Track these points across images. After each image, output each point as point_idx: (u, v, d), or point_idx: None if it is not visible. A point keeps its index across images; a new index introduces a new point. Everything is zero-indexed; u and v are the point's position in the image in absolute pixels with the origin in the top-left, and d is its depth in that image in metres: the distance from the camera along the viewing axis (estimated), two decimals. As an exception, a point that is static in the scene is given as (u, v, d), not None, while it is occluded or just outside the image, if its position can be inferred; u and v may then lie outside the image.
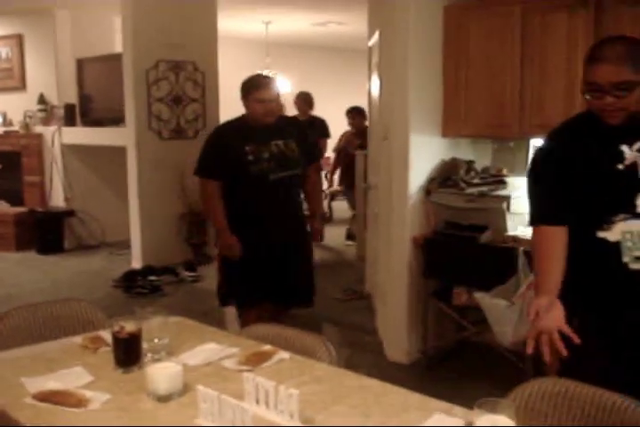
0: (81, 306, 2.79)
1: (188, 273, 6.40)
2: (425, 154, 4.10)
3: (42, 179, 7.92)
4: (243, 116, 3.85)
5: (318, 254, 7.41)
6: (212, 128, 6.86)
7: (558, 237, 2.17)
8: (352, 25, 8.96)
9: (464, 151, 4.29)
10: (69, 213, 7.75)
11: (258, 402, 1.75)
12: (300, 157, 3.78)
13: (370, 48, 5.36)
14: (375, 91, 5.03)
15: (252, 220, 3.73)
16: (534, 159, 2.34)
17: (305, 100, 8.06)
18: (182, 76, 6.84)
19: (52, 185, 7.89)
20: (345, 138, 8.22)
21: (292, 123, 4.17)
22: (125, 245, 7.20)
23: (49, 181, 7.90)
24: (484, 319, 3.60)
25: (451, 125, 4.10)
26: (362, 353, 4.37)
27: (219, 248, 3.89)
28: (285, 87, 9.80)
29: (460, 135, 4.14)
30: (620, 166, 2.09)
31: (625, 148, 2.09)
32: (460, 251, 3.85)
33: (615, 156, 2.09)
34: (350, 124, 7.99)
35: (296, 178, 3.79)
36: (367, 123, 6.38)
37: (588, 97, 2.07)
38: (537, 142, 3.99)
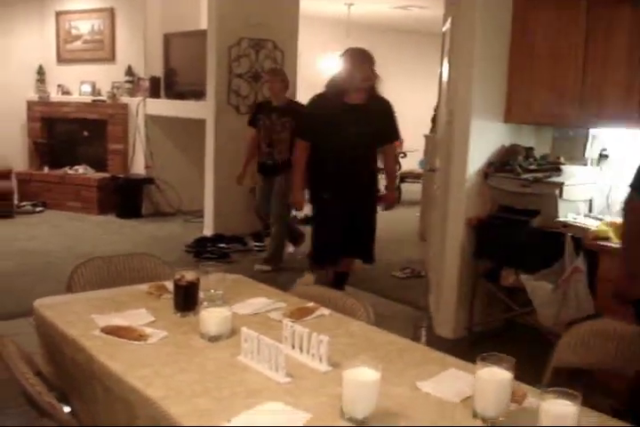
0: (151, 261, 3.08)
1: (255, 243, 6.69)
2: (485, 138, 4.24)
3: (125, 147, 8.35)
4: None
5: (384, 233, 7.63)
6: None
7: None
8: (434, 9, 9.02)
9: (525, 138, 4.40)
10: (149, 181, 8.16)
11: (294, 347, 1.99)
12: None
13: (443, 34, 5.49)
14: (445, 76, 5.17)
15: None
16: None
17: None
18: (262, 54, 7.10)
19: (134, 153, 8.31)
20: None
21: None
22: (199, 214, 7.55)
23: (131, 150, 8.32)
24: (531, 301, 3.76)
25: (513, 112, 4.23)
26: (409, 325, 4.57)
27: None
28: (363, 69, 9.93)
29: (522, 122, 4.27)
30: None
31: None
32: (510, 234, 3.99)
33: None
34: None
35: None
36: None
37: None
38: (595, 132, 4.10)
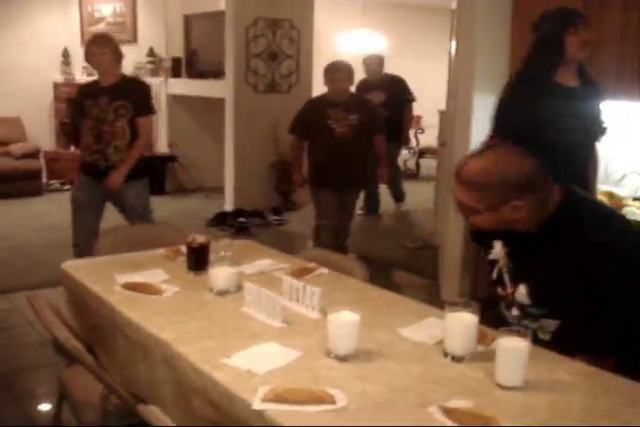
0: (170, 229, 3.35)
1: (274, 217, 6.95)
2: (488, 112, 4.41)
3: (149, 126, 8.59)
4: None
5: (396, 208, 7.85)
6: (305, 83, 7.39)
7: None
8: (449, -14, 9.12)
9: (528, 112, 4.57)
10: (172, 159, 8.43)
11: (291, 299, 2.23)
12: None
13: (452, 11, 5.64)
14: (453, 53, 5.34)
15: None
16: None
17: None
18: (279, 34, 7.29)
19: (157, 132, 8.56)
20: None
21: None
22: (220, 190, 7.81)
23: (155, 128, 8.57)
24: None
25: (515, 87, 4.39)
26: (417, 293, 4.80)
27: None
28: (382, 47, 10.05)
29: (523, 96, 4.43)
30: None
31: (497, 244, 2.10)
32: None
33: None
34: None
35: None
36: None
37: None
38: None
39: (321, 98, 5.01)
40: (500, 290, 2.14)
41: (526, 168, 1.96)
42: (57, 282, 2.85)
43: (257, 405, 1.58)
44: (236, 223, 6.65)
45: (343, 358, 1.84)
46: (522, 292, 2.05)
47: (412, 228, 6.86)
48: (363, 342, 1.90)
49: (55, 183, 8.54)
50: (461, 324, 1.84)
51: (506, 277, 2.09)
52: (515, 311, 2.11)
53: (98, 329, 2.40)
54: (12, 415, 3.10)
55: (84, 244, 4.30)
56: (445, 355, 1.88)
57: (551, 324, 2.03)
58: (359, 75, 6.13)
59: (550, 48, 3.20)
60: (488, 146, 2.16)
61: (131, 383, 2.16)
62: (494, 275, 2.13)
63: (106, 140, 4.33)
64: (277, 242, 6.08)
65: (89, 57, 4.36)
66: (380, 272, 5.47)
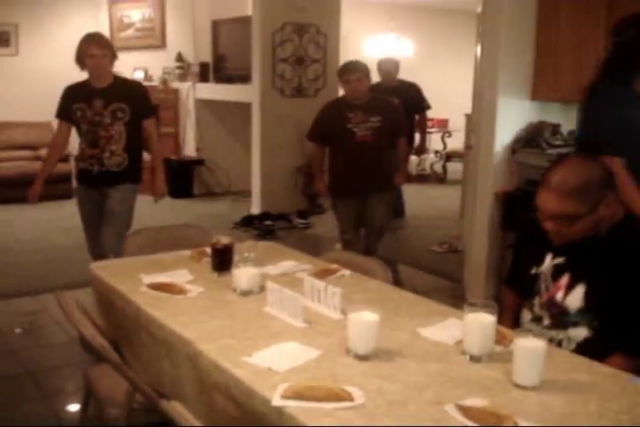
0: (195, 231, 3.40)
1: (300, 220, 6.99)
2: (513, 115, 4.43)
3: (176, 130, 8.71)
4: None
5: (425, 211, 7.85)
6: (331, 88, 7.41)
7: None
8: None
9: (554, 115, 4.56)
10: (199, 163, 8.52)
11: (312, 300, 2.26)
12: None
13: (478, 14, 5.65)
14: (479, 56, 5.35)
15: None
16: None
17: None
18: (305, 38, 7.34)
19: (185, 136, 8.67)
20: None
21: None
22: (248, 193, 7.87)
23: (183, 133, 8.68)
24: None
25: (540, 90, 4.40)
26: (442, 296, 4.80)
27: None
28: (409, 51, 10.08)
29: (548, 99, 4.43)
30: (534, 270, 2.26)
31: (548, 257, 2.22)
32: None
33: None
34: None
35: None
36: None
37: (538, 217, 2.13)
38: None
39: (338, 101, 4.82)
40: (537, 301, 2.23)
41: (604, 167, 2.13)
42: (86, 283, 2.91)
43: (276, 401, 1.61)
44: (262, 226, 6.71)
45: (362, 357, 1.86)
46: (578, 293, 2.11)
47: (438, 232, 6.85)
48: (382, 342, 1.92)
49: (85, 187, 8.64)
50: (479, 324, 1.86)
51: (558, 282, 2.17)
52: (546, 321, 2.19)
53: (124, 328, 2.45)
54: (41, 412, 3.16)
55: (94, 256, 4.19)
56: (463, 353, 1.90)
57: (580, 334, 2.10)
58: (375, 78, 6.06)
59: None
60: (560, 156, 2.35)
61: (155, 381, 2.20)
62: (539, 287, 2.22)
63: (102, 145, 4.08)
64: (303, 245, 6.11)
65: (86, 59, 4.03)
66: (406, 276, 5.50)
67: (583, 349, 2.07)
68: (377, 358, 1.87)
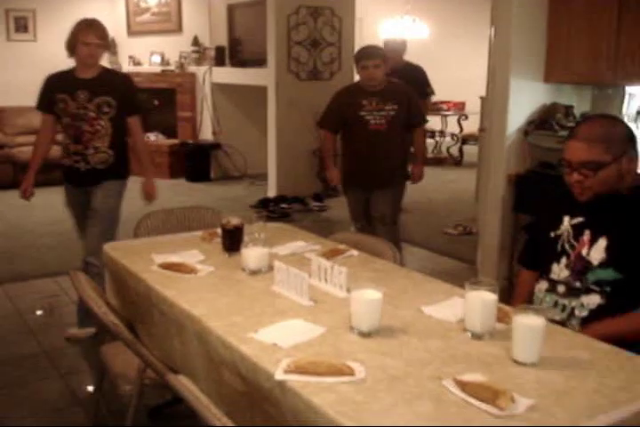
0: (208, 212, 3.45)
1: (315, 203, 7.04)
2: (526, 97, 4.43)
3: (193, 114, 8.77)
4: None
5: (440, 194, 7.86)
6: (347, 71, 7.41)
7: None
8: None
9: (567, 97, 4.56)
10: (216, 146, 8.58)
11: (320, 279, 2.30)
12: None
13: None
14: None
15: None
16: None
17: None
18: (320, 21, 7.35)
19: (201, 120, 8.72)
20: None
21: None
22: (264, 177, 7.92)
23: (199, 117, 8.73)
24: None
25: (552, 72, 4.40)
26: (454, 278, 4.83)
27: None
28: (424, 33, 10.02)
29: (561, 81, 4.43)
30: (552, 234, 2.34)
31: (566, 219, 2.30)
32: (548, 188, 4.18)
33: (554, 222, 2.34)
34: None
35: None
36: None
37: (563, 172, 2.26)
38: (632, 90, 4.24)
39: (353, 86, 4.58)
40: (563, 262, 2.29)
41: (627, 125, 2.27)
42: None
43: (279, 375, 1.66)
44: (278, 209, 6.76)
45: (366, 334, 1.90)
46: (600, 246, 2.19)
47: (453, 214, 6.87)
48: (386, 320, 1.96)
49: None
50: (481, 302, 1.89)
51: (581, 239, 2.25)
52: (561, 288, 2.27)
53: (137, 307, 2.51)
54: (59, 389, 3.25)
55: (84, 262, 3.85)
56: (465, 330, 1.94)
57: (593, 301, 2.18)
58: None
59: None
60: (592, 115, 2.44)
61: (167, 357, 2.26)
62: (559, 247, 2.30)
63: (85, 141, 3.77)
64: (318, 228, 6.17)
65: (80, 46, 3.73)
66: (419, 258, 5.53)
67: (596, 315, 2.15)
68: (380, 335, 1.91)
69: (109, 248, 2.79)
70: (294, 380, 1.64)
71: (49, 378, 3.36)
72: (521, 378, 1.69)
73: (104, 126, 3.77)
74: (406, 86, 4.57)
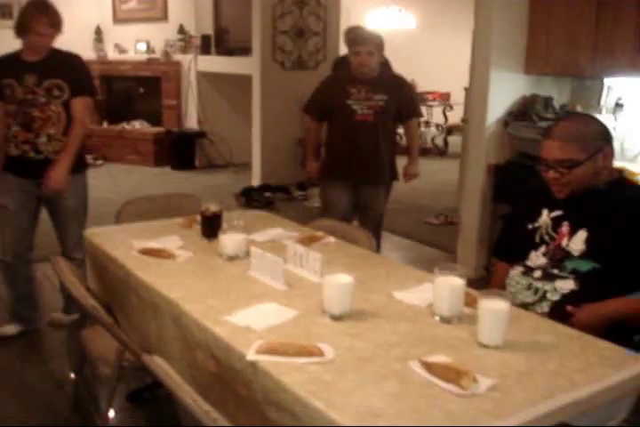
0: (189, 199, 3.48)
1: (299, 192, 7.08)
2: (506, 89, 4.48)
3: (178, 102, 8.77)
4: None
5: (423, 183, 7.91)
6: (332, 60, 7.43)
7: None
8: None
9: (547, 89, 4.61)
10: (201, 135, 8.59)
11: (295, 265, 2.35)
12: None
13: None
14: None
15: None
16: None
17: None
18: (306, 11, 7.36)
19: (187, 108, 8.73)
20: None
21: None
22: (249, 166, 7.95)
23: (184, 105, 8.74)
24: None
25: (533, 63, 4.44)
26: (432, 266, 4.90)
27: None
28: (410, 23, 10.06)
29: (541, 73, 4.48)
30: (530, 226, 2.41)
31: (544, 212, 2.38)
32: (526, 179, 4.25)
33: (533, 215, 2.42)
34: None
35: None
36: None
37: (540, 170, 2.32)
38: (611, 82, 4.31)
39: (344, 73, 4.27)
40: (541, 250, 2.36)
41: (602, 123, 2.34)
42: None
43: (250, 356, 1.71)
44: (261, 198, 6.79)
45: (337, 318, 1.96)
46: (580, 238, 2.26)
47: (436, 204, 6.93)
48: (358, 304, 2.02)
49: (88, 159, 8.72)
50: (449, 286, 1.95)
51: (560, 230, 2.32)
52: (537, 273, 2.33)
53: (116, 292, 2.55)
54: (40, 373, 3.29)
55: (16, 259, 3.61)
56: (434, 316, 1.99)
57: (566, 286, 2.25)
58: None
59: None
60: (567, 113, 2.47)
61: (144, 340, 2.31)
62: (538, 238, 2.38)
63: (36, 128, 3.46)
64: (301, 216, 6.21)
65: (31, 34, 3.39)
66: (400, 246, 5.60)
67: (568, 300, 2.22)
68: (351, 318, 1.97)
69: (90, 234, 2.83)
70: (265, 360, 1.70)
71: (31, 362, 3.40)
72: (485, 360, 1.75)
73: (55, 111, 3.47)
74: (400, 77, 4.31)
